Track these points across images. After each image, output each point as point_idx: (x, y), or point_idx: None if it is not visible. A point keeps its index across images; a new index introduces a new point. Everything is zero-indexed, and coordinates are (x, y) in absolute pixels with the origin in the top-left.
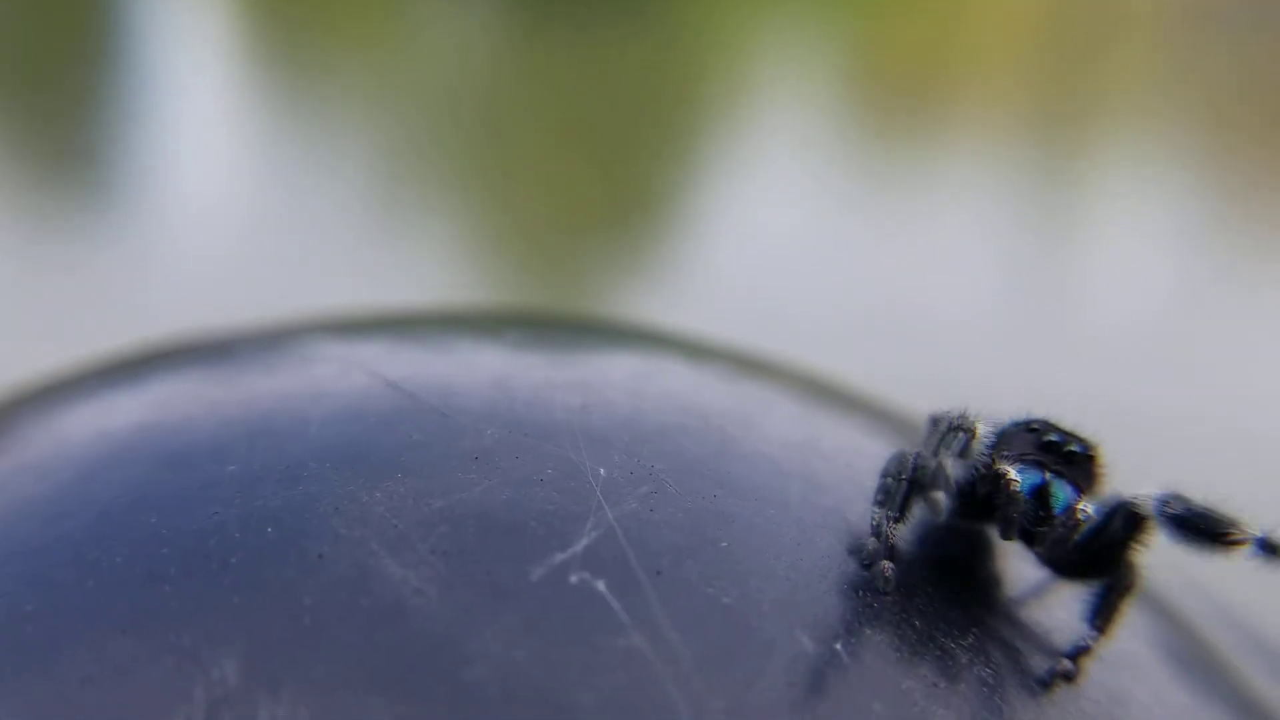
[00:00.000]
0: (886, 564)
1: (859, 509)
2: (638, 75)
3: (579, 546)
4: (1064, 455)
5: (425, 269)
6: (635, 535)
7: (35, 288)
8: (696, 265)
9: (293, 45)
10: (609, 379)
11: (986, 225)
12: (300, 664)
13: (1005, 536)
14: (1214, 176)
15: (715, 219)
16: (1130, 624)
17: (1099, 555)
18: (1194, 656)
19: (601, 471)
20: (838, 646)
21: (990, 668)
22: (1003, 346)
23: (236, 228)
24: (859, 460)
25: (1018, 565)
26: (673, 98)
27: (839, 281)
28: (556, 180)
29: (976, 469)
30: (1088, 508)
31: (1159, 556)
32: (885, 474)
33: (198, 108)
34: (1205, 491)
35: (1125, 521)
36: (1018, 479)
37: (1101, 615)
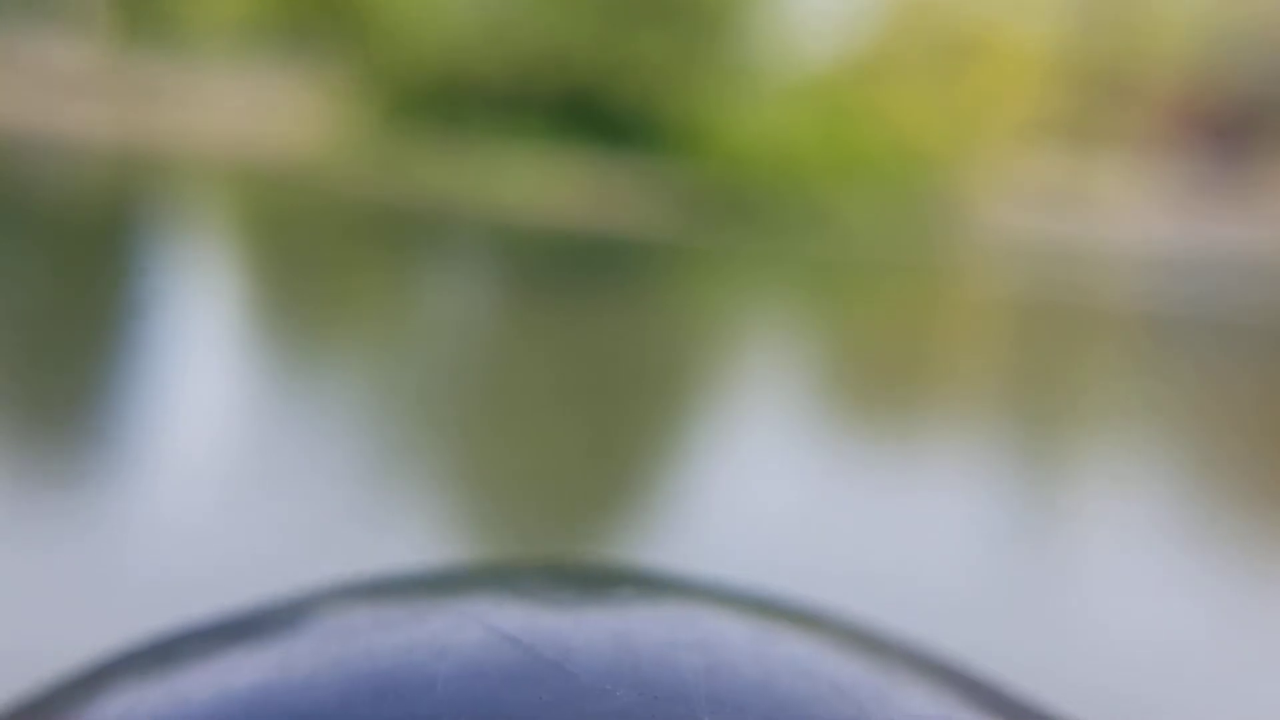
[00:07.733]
0: None
1: None
2: (626, 349)
3: None
4: None
5: (440, 530)
6: None
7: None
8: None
9: (298, 324)
10: (727, 640)
11: (969, 512)
12: None
13: None
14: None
15: (706, 484)
16: None
17: None
18: None
19: None
20: None
21: None
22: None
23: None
24: None
25: None
26: (660, 373)
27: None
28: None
29: None
30: None
31: None
32: None
33: (201, 379)
34: None
35: None
36: None
37: None
